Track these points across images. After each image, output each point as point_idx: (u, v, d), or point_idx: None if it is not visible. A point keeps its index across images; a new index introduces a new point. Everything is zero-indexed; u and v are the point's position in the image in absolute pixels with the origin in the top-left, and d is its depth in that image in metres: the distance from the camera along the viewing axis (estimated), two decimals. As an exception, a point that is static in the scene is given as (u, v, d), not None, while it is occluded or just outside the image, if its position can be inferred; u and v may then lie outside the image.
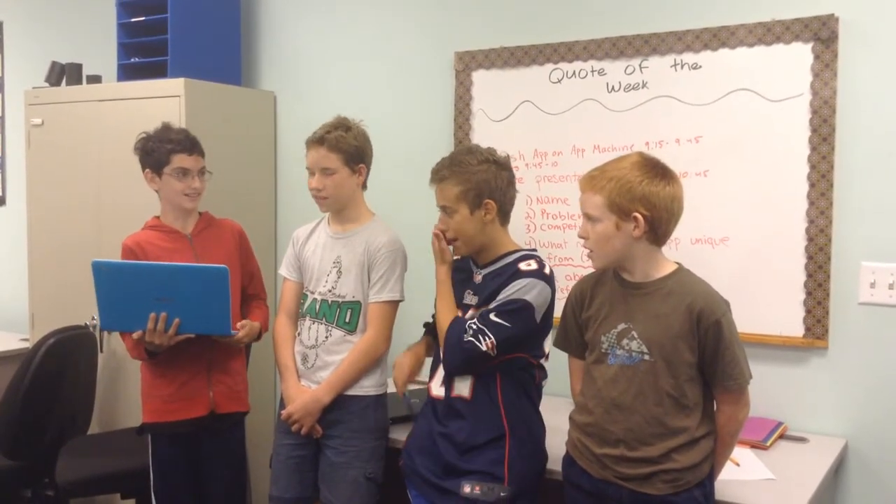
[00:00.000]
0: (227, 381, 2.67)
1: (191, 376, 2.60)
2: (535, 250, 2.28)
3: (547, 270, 2.17)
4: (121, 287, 2.43)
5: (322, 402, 2.46)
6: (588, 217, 1.97)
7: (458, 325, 2.16)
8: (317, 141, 2.47)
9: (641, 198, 1.90)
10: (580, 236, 2.02)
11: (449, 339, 2.17)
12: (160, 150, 2.60)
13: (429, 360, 2.42)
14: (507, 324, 2.10)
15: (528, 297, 2.11)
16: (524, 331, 2.12)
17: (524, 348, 2.16)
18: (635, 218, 1.90)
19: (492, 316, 2.11)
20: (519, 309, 2.10)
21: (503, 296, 2.13)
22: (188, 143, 2.63)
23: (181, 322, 2.43)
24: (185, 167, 2.60)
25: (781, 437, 2.55)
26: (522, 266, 2.17)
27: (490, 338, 2.09)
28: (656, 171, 1.94)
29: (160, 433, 2.64)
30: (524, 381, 2.21)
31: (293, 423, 2.49)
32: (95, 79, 3.69)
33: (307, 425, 2.48)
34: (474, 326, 2.12)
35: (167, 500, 2.66)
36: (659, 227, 1.93)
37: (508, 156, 2.29)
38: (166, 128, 2.68)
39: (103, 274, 2.42)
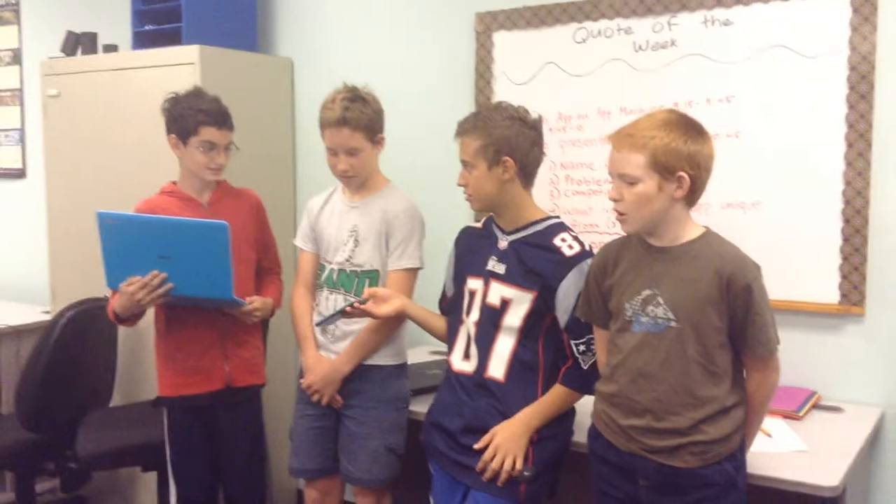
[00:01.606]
0: (243, 354, 2.63)
1: (205, 349, 2.56)
2: (558, 217, 2.23)
3: (587, 246, 2.14)
4: (125, 241, 2.39)
5: (341, 372, 2.43)
6: (623, 177, 1.86)
7: (574, 373, 2.14)
8: (338, 122, 2.36)
9: (688, 156, 1.82)
10: (612, 198, 1.91)
11: (580, 387, 2.14)
12: (189, 119, 2.49)
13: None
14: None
15: (585, 278, 2.08)
16: None
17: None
18: (680, 178, 1.83)
19: (577, 314, 2.09)
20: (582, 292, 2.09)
21: (570, 300, 2.09)
22: (219, 117, 2.52)
23: (183, 284, 2.38)
24: (213, 141, 2.51)
25: (815, 406, 2.47)
26: (564, 248, 2.12)
27: (587, 343, 2.11)
28: (694, 128, 1.86)
29: (175, 406, 2.61)
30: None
31: (313, 392, 2.46)
32: (111, 48, 3.63)
33: (327, 395, 2.45)
34: (581, 349, 2.11)
35: (184, 473, 2.64)
36: (698, 187, 1.86)
37: (541, 117, 2.21)
38: (197, 93, 2.57)
39: (108, 226, 2.39)
